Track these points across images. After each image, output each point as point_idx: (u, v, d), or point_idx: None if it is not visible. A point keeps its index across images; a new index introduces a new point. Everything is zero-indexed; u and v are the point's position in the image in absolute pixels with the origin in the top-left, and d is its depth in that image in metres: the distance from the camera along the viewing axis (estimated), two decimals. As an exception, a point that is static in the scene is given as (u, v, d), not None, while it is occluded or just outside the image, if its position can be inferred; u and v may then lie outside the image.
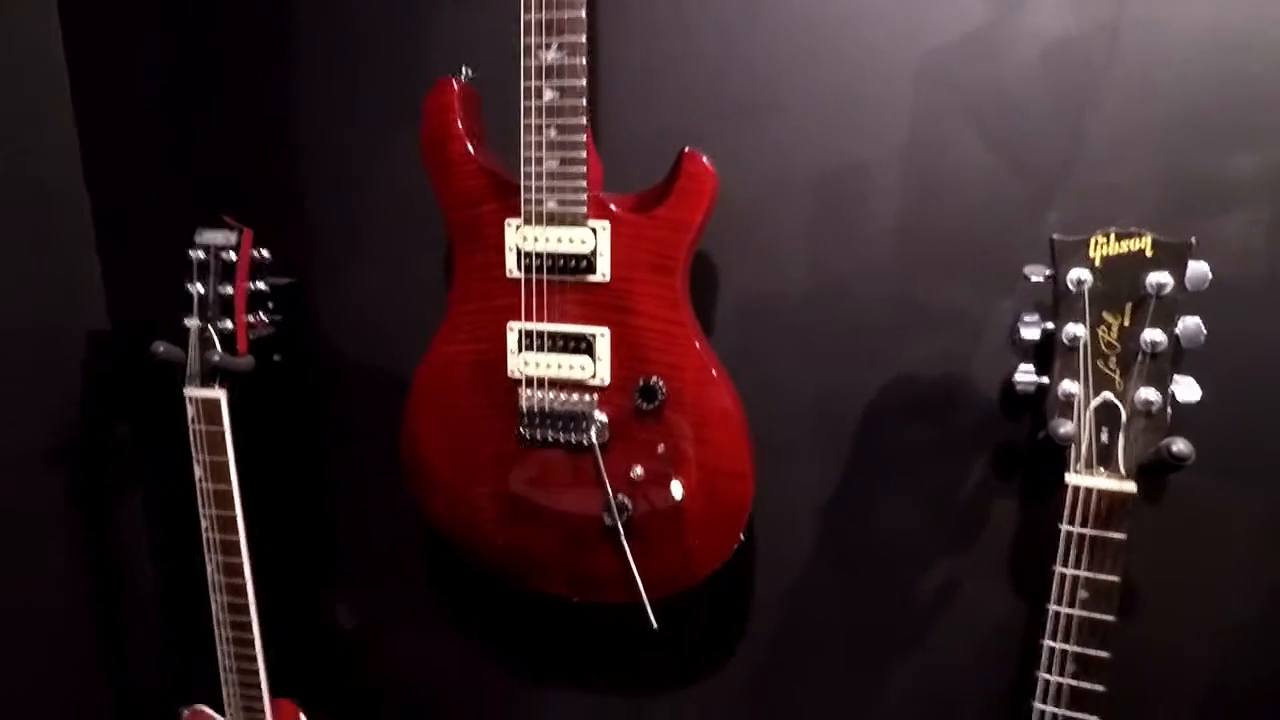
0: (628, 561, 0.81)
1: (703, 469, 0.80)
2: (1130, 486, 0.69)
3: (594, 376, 0.81)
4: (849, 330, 0.89)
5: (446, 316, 0.85)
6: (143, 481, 1.19)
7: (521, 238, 0.80)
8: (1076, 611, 0.71)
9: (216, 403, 0.94)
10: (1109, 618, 0.70)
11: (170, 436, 1.01)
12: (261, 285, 0.97)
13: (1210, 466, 0.75)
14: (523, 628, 1.08)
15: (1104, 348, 0.70)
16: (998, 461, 0.87)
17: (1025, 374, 0.75)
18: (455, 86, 0.80)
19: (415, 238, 0.99)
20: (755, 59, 0.86)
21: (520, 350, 0.82)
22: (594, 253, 0.78)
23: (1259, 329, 0.79)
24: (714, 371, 0.79)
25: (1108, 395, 0.70)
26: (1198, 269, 0.68)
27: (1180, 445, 0.65)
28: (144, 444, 1.16)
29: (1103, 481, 0.70)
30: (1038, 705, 0.73)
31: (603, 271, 0.79)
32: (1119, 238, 0.70)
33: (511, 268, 0.81)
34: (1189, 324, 0.68)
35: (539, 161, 0.77)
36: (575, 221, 0.78)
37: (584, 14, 0.73)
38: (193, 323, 0.94)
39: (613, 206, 0.78)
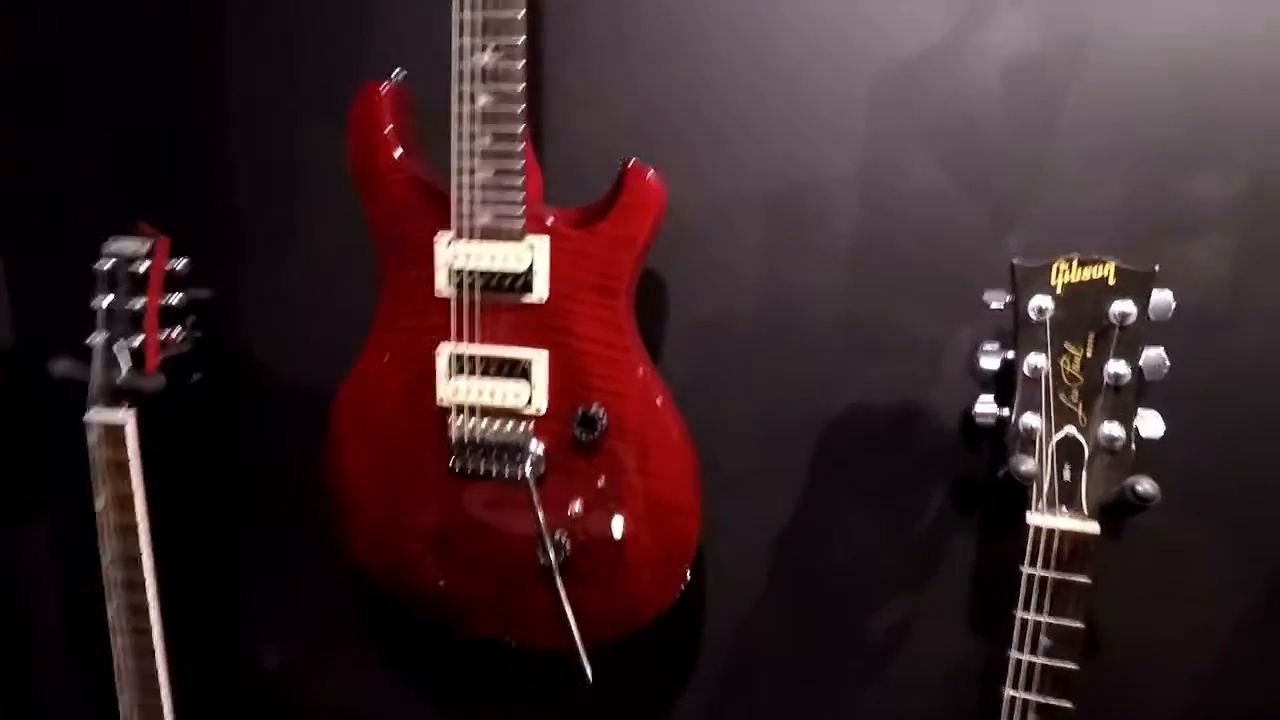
0: (562, 604, 0.75)
1: (646, 503, 0.74)
2: (1093, 527, 0.65)
3: (530, 404, 0.75)
4: (802, 355, 0.85)
5: (371, 335, 0.79)
6: (48, 512, 1.09)
7: (453, 254, 0.74)
8: (1039, 659, 0.67)
9: (121, 427, 0.86)
10: (1072, 665, 0.66)
11: (76, 464, 0.92)
12: (178, 299, 0.89)
13: (1174, 504, 0.72)
14: (457, 670, 1.01)
15: (1066, 380, 0.67)
16: (957, 494, 0.84)
17: (985, 405, 0.71)
18: (383, 91, 0.74)
19: (347, 249, 0.92)
20: (707, 68, 0.82)
21: (451, 375, 0.76)
22: (530, 271, 0.73)
23: (1222, 360, 0.76)
24: (659, 399, 0.74)
25: (1070, 430, 0.67)
26: (1161, 298, 0.65)
27: (1145, 485, 0.62)
28: (49, 471, 1.07)
29: (1065, 522, 0.66)
30: (999, 755, 0.68)
31: (540, 291, 0.73)
32: (1081, 264, 0.67)
33: (442, 286, 0.75)
34: (1151, 355, 0.65)
35: (472, 172, 0.71)
36: (511, 237, 0.72)
37: (522, 15, 0.68)
38: (98, 339, 0.86)
39: (552, 221, 0.73)
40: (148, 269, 0.84)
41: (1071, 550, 0.66)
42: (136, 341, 0.85)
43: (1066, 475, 0.66)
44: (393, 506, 0.80)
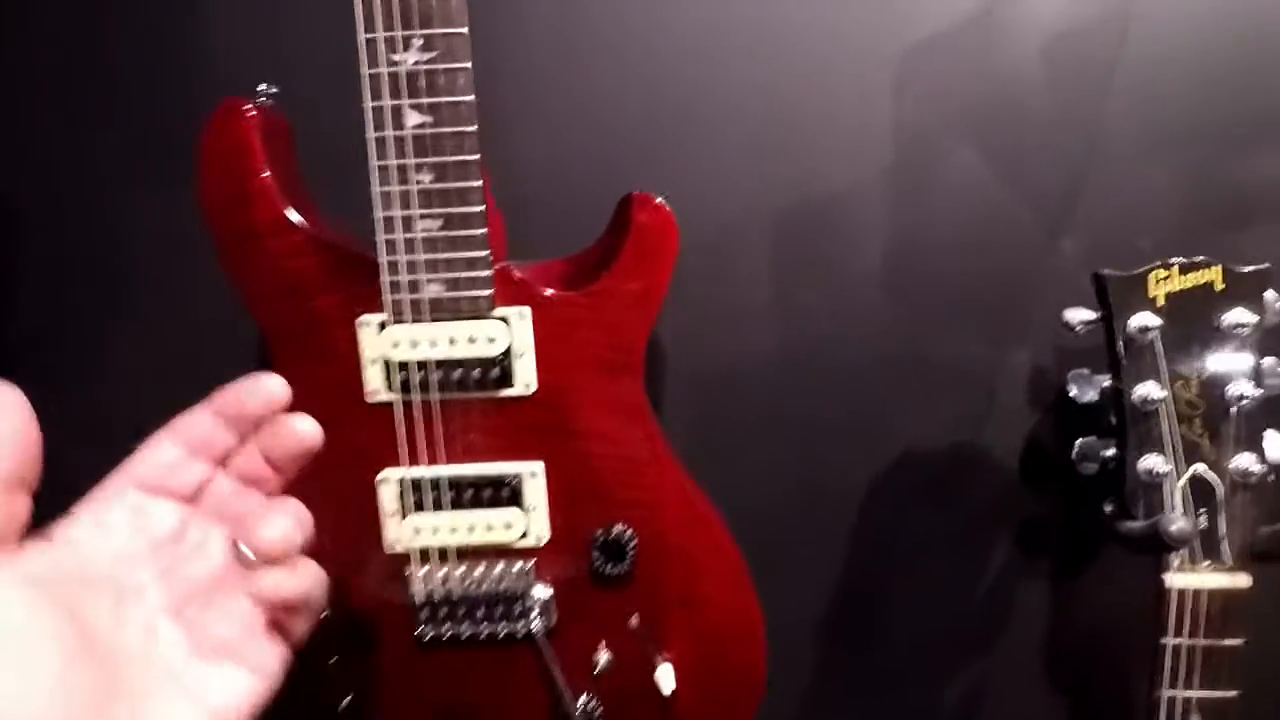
0: (608, 797, 0.55)
1: (700, 639, 0.56)
2: (1244, 580, 0.55)
3: (526, 536, 0.54)
4: (834, 401, 0.69)
5: (274, 470, 0.54)
6: None
7: (390, 343, 0.51)
8: (1192, 741, 0.56)
9: None
10: (1228, 741, 0.56)
11: None
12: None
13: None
14: None
15: (1185, 408, 0.56)
16: (1023, 541, 0.72)
17: (1088, 447, 0.59)
18: (252, 114, 0.50)
19: (208, 334, 0.66)
20: (697, 62, 0.64)
21: (405, 511, 0.54)
22: (509, 354, 0.52)
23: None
24: (700, 502, 0.56)
25: (1199, 468, 0.56)
26: (1270, 299, 0.56)
27: (1315, 528, 0.52)
28: None
29: (1210, 579, 0.55)
30: None
31: (525, 381, 0.52)
32: (1184, 270, 0.56)
33: (377, 388, 0.52)
34: (1268, 365, 0.56)
35: (408, 224, 0.49)
36: (476, 311, 0.51)
37: (463, -7, 0.46)
38: None
39: (533, 284, 0.52)
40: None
41: (1222, 610, 0.55)
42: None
43: (1203, 522, 0.56)
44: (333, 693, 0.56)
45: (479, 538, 0.54)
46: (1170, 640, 0.56)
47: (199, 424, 0.38)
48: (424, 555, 0.54)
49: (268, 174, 0.50)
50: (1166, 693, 0.56)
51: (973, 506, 0.71)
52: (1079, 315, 0.59)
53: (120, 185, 0.67)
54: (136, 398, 0.68)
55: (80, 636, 0.30)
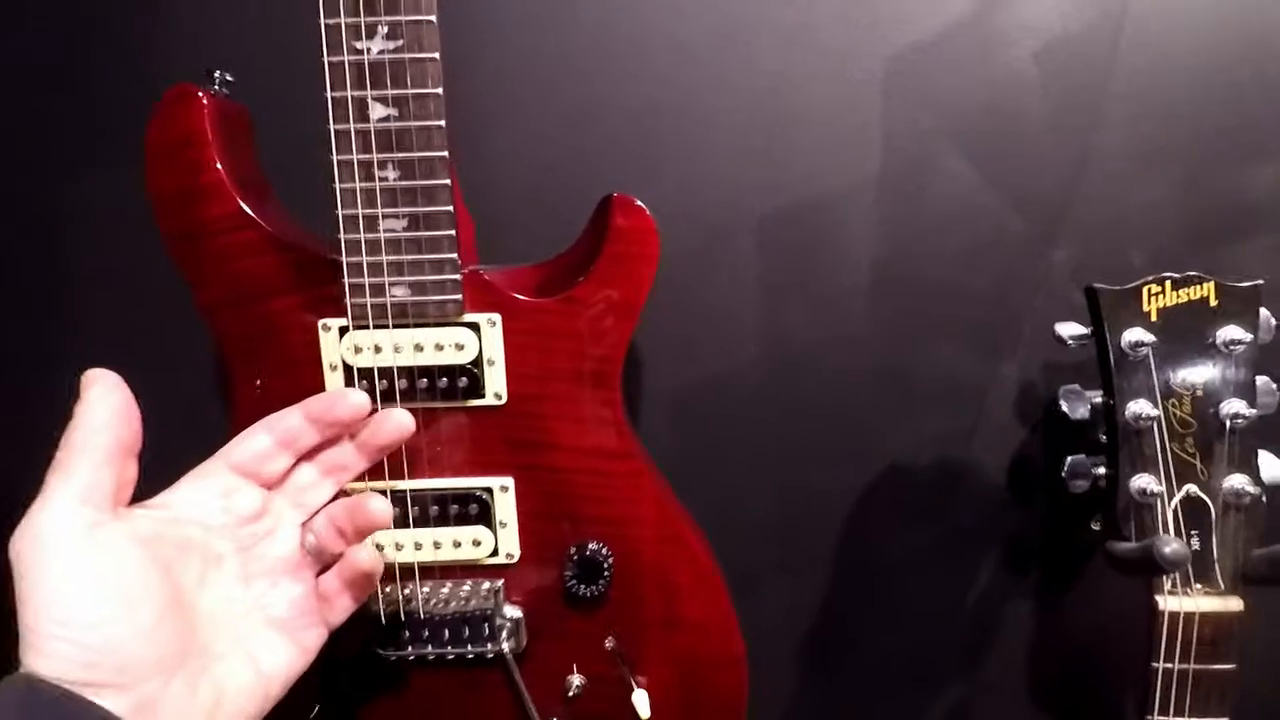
0: (579, 826, 0.53)
1: (677, 662, 0.53)
2: (1236, 604, 0.53)
3: (495, 553, 0.52)
4: (819, 413, 0.67)
5: (229, 481, 0.51)
6: None
7: (351, 348, 0.48)
8: (1182, 768, 0.55)
9: None
10: (1219, 768, 0.55)
11: None
12: None
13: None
14: None
15: (1178, 426, 0.54)
16: (1011, 558, 0.70)
17: (1078, 465, 0.57)
18: (205, 100, 0.47)
19: (157, 340, 0.62)
20: (673, 64, 0.62)
21: (368, 527, 0.50)
22: (479, 363, 0.49)
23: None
24: (680, 521, 0.53)
25: (1191, 489, 0.54)
26: (1264, 317, 0.54)
27: (1312, 552, 0.50)
28: None
29: (1203, 602, 0.53)
30: None
31: (495, 391, 0.50)
32: (1176, 285, 0.54)
33: (339, 397, 0.49)
34: (1261, 385, 0.55)
35: (371, 224, 0.46)
36: (444, 317, 0.48)
37: (431, -23, 0.43)
38: None
39: (504, 289, 0.49)
40: None
41: (1214, 634, 0.54)
42: None
43: (1195, 544, 0.54)
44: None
45: (446, 555, 0.51)
46: (1161, 664, 0.54)
47: (290, 422, 0.43)
48: (387, 573, 0.51)
49: (220, 166, 0.46)
50: (1158, 718, 0.55)
51: (959, 522, 0.69)
52: (1071, 329, 0.57)
53: (72, 177, 0.63)
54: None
55: (173, 591, 0.36)
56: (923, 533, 0.69)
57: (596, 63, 0.62)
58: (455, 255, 0.47)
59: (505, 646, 0.52)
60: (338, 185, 0.46)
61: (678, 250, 0.63)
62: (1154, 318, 0.55)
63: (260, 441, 0.42)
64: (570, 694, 0.53)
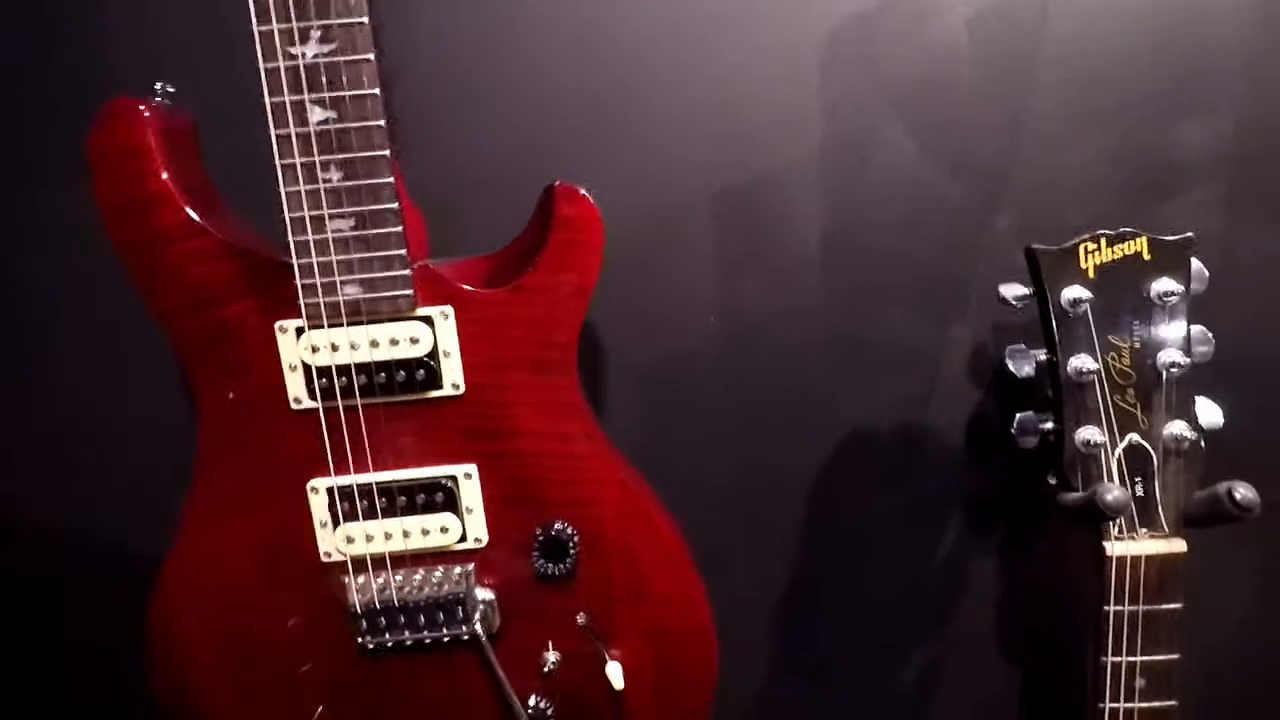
0: (561, 795, 0.55)
1: (646, 634, 0.55)
2: (1180, 545, 0.56)
3: (464, 539, 0.53)
4: (777, 386, 0.69)
5: (196, 480, 0.52)
6: None
7: (309, 348, 0.49)
8: (1136, 704, 0.57)
9: None
10: (1172, 702, 0.57)
11: None
12: None
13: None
14: None
15: (1118, 378, 0.56)
16: (972, 517, 0.72)
17: (1026, 421, 0.59)
18: (146, 113, 0.47)
19: (134, 343, 0.63)
20: (615, 48, 0.62)
21: (338, 521, 0.52)
22: (434, 355, 0.50)
23: (1229, 322, 0.69)
24: (643, 498, 0.55)
25: (1133, 437, 0.56)
26: (1198, 268, 0.56)
27: (1244, 491, 0.52)
28: None
29: (1148, 545, 0.56)
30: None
31: (453, 381, 0.51)
32: (1111, 242, 0.56)
33: (299, 396, 0.51)
34: (1196, 334, 0.56)
35: (319, 225, 0.47)
36: (397, 313, 0.49)
37: (361, -22, 0.44)
38: None
39: (455, 282, 0.50)
40: None
41: (1160, 575, 0.56)
42: None
43: (1139, 490, 0.56)
44: (274, 718, 0.55)
45: (416, 543, 0.53)
46: (1112, 607, 0.56)
47: None
48: (360, 564, 0.53)
49: (166, 175, 0.47)
50: (1111, 659, 0.57)
51: (921, 486, 0.71)
52: (1014, 290, 0.58)
53: (16, 188, 0.63)
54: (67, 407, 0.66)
55: None
56: (885, 498, 0.71)
57: (546, 51, 0.63)
58: (404, 251, 0.48)
59: (479, 628, 0.53)
60: (283, 189, 0.47)
61: (632, 230, 0.64)
62: (1091, 275, 0.56)
63: None
64: (546, 670, 0.55)
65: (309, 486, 0.52)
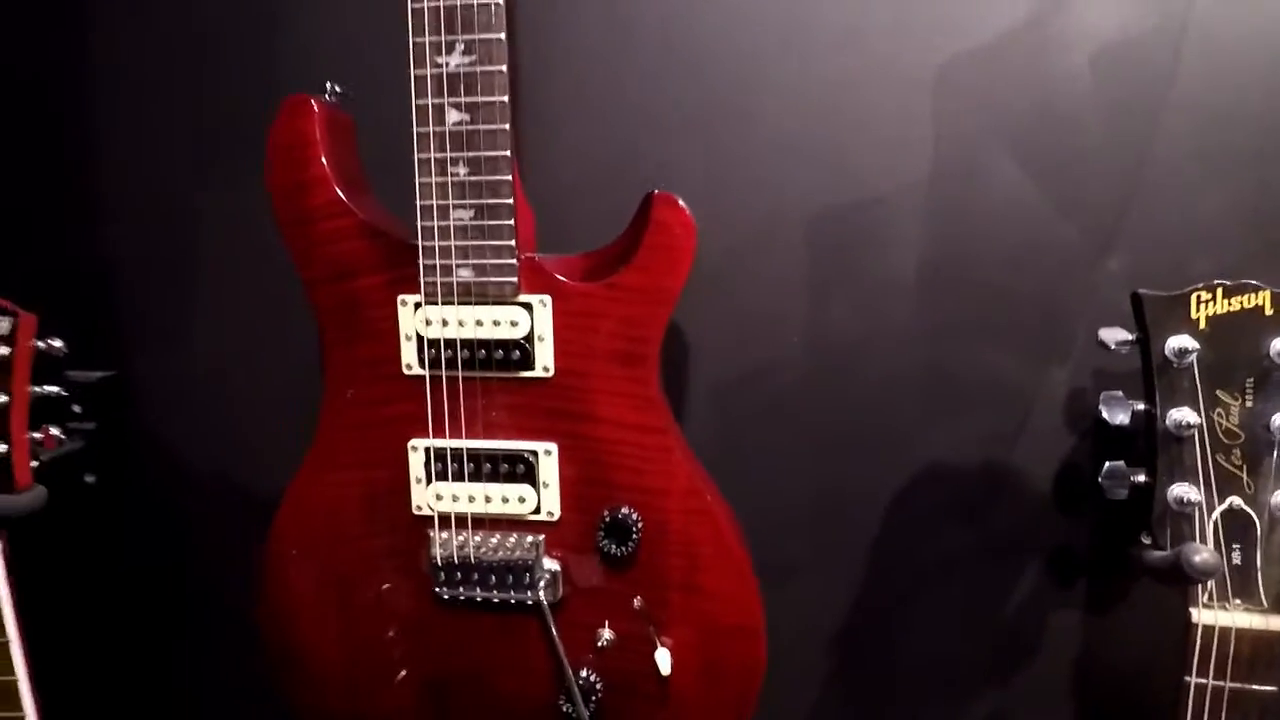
0: (600, 767, 0.58)
1: (698, 627, 0.58)
2: (1279, 623, 0.52)
3: (538, 511, 0.58)
4: (860, 412, 0.69)
5: (318, 431, 0.60)
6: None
7: (423, 321, 0.56)
8: (1211, 791, 0.53)
9: (-15, 561, 0.65)
10: (1253, 796, 0.53)
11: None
12: (55, 387, 0.68)
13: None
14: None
15: (1223, 437, 0.53)
16: (1055, 568, 0.69)
17: (1115, 471, 0.57)
18: (316, 109, 0.56)
19: (280, 310, 0.72)
20: (729, 67, 0.66)
21: (430, 479, 0.58)
22: (530, 339, 0.55)
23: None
24: (707, 495, 0.57)
25: (1235, 501, 0.53)
26: (1326, 329, 0.52)
27: (1354, 576, 0.48)
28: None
29: (1241, 618, 0.52)
30: None
31: (544, 364, 0.56)
32: (1228, 293, 0.53)
33: (411, 362, 0.57)
34: (1320, 401, 0.52)
35: (444, 213, 0.54)
36: (501, 297, 0.55)
37: (501, 1, 0.50)
38: (-56, 450, 0.65)
39: (555, 274, 0.55)
40: (9, 353, 0.64)
41: (1252, 653, 0.52)
42: (0, 448, 0.65)
43: (1236, 558, 0.53)
44: (357, 650, 0.61)
45: (495, 509, 0.58)
46: (1193, 679, 0.53)
47: None
48: (444, 520, 0.58)
49: (324, 162, 0.55)
50: (1187, 734, 0.54)
51: (1000, 527, 0.69)
52: (1116, 335, 0.57)
53: (204, 172, 0.74)
54: (227, 357, 0.76)
55: None
56: (961, 535, 0.70)
57: (660, 69, 0.67)
58: (513, 242, 0.54)
59: (543, 595, 0.57)
60: (417, 180, 0.53)
61: (728, 244, 0.67)
62: (1202, 325, 0.54)
63: None
64: (600, 645, 0.58)
65: (410, 445, 0.58)
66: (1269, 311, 0.53)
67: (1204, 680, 0.53)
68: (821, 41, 0.65)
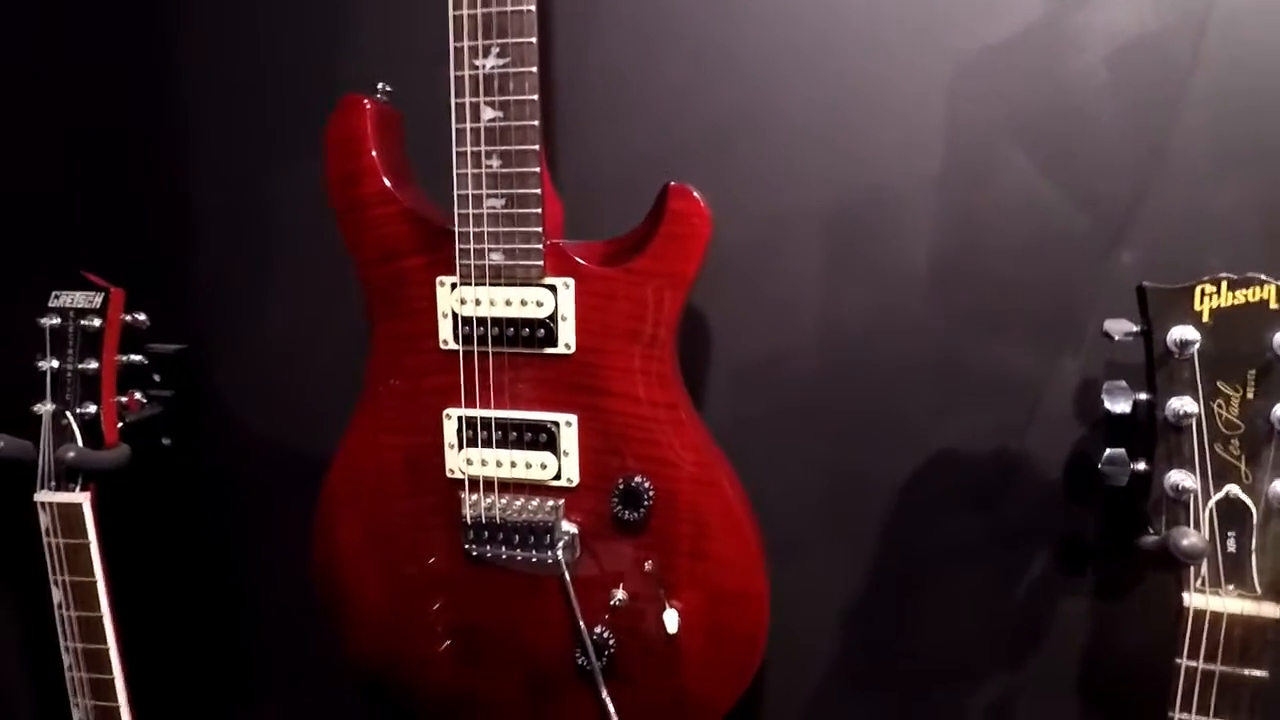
0: (608, 715, 0.62)
1: (704, 590, 0.62)
2: (1272, 610, 0.53)
3: (558, 477, 0.62)
4: (874, 400, 0.72)
5: (363, 398, 0.66)
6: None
7: (458, 300, 0.61)
8: (1200, 771, 0.55)
9: (78, 508, 0.73)
10: (1243, 778, 0.54)
11: (27, 552, 0.80)
12: (138, 357, 0.77)
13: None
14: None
15: (1223, 427, 0.54)
16: (1064, 557, 0.71)
17: (1116, 459, 0.59)
18: (368, 106, 0.61)
19: (335, 291, 0.79)
20: (748, 62, 0.70)
21: (462, 445, 0.63)
22: (554, 318, 0.60)
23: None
24: (716, 468, 0.61)
25: (1232, 489, 0.54)
26: (1331, 323, 0.53)
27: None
28: None
29: (1234, 603, 0.53)
30: None
31: (566, 342, 0.60)
32: (1233, 286, 0.54)
33: (447, 338, 0.62)
34: (1324, 394, 0.53)
35: (478, 201, 0.59)
36: (528, 279, 0.60)
37: (532, 8, 0.55)
38: (45, 408, 0.74)
39: (577, 258, 0.60)
40: (100, 325, 0.72)
41: (1244, 638, 0.53)
42: (91, 409, 0.73)
43: (1231, 545, 0.54)
44: (396, 598, 0.67)
45: (520, 474, 0.63)
46: (1185, 662, 0.55)
47: None
48: (474, 483, 0.64)
49: (374, 155, 0.61)
50: (1179, 715, 0.55)
51: (1010, 515, 0.71)
52: (1120, 326, 0.58)
53: (270, 162, 0.81)
54: (291, 329, 0.83)
55: None
56: (970, 523, 0.72)
57: (685, 71, 0.71)
58: (540, 229, 0.58)
59: (561, 555, 0.62)
60: (455, 171, 0.59)
61: (747, 237, 0.70)
62: (1205, 318, 0.55)
63: None
64: (613, 604, 0.63)
65: (445, 413, 0.64)
66: (1275, 305, 0.54)
67: (1195, 663, 0.54)
68: (841, 41, 0.68)
